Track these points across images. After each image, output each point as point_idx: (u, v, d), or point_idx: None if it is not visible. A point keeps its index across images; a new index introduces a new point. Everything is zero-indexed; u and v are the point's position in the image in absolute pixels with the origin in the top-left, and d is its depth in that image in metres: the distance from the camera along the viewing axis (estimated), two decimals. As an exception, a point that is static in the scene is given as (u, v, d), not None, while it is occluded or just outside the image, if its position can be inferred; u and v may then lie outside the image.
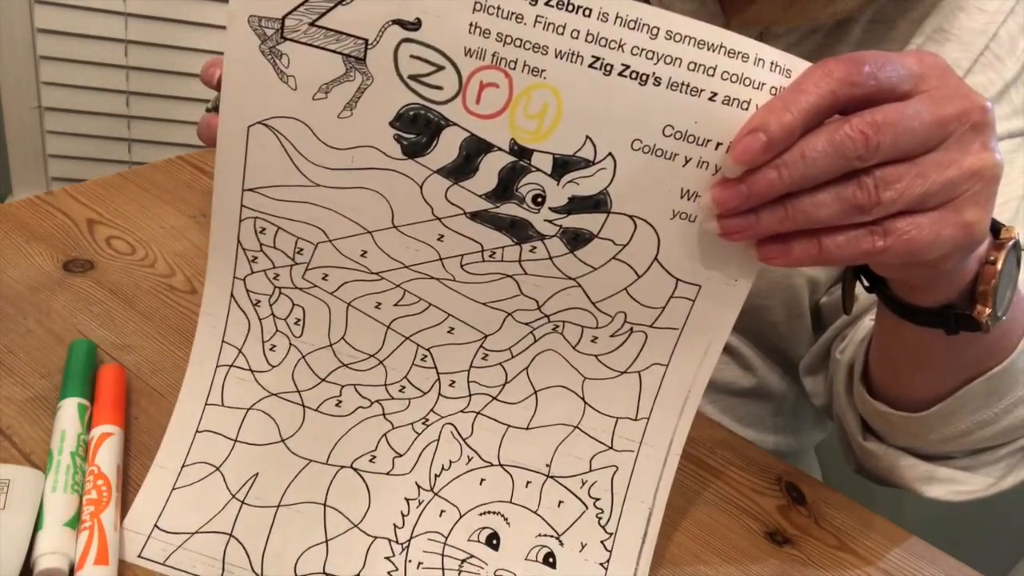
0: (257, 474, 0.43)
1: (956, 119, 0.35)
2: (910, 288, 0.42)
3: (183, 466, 0.44)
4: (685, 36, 0.35)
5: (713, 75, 0.35)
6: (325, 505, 0.43)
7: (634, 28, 0.34)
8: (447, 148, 0.38)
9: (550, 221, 0.38)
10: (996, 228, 0.41)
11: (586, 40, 0.35)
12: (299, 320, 0.43)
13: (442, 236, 0.39)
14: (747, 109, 0.35)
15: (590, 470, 0.42)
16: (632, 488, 0.43)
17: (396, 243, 0.40)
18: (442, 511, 0.42)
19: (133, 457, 0.47)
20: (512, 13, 0.35)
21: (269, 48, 0.37)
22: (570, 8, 0.34)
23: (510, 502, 0.43)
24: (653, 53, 0.35)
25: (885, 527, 0.55)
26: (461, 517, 0.42)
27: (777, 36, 0.58)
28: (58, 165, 1.79)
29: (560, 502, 0.43)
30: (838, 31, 0.59)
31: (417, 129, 0.37)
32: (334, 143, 0.38)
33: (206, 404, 0.44)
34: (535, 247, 0.39)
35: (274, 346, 0.43)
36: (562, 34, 0.35)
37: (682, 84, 0.35)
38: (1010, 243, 0.40)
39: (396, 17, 0.36)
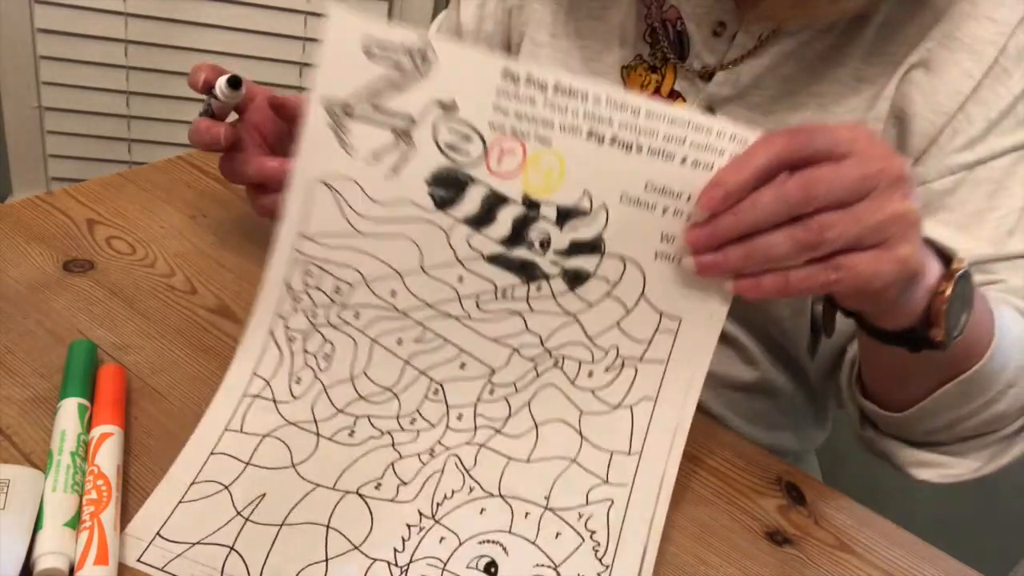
0: (264, 494, 0.44)
1: (879, 175, 0.42)
2: (875, 315, 0.48)
3: (192, 483, 0.45)
4: (661, 115, 0.44)
5: (684, 144, 0.44)
6: (328, 527, 0.43)
7: (621, 109, 0.44)
8: (471, 201, 0.46)
9: (554, 262, 0.46)
10: (949, 260, 0.47)
11: (583, 118, 0.44)
12: (328, 355, 0.48)
13: (462, 277, 0.46)
14: (711, 169, 0.44)
15: (586, 503, 0.44)
16: (627, 522, 0.44)
17: (422, 284, 0.47)
18: (442, 538, 0.43)
19: (133, 457, 0.47)
20: (527, 98, 0.45)
21: (336, 124, 0.47)
22: (571, 94, 0.44)
23: (509, 532, 0.44)
24: (636, 127, 0.44)
25: (885, 527, 0.55)
26: (461, 544, 0.43)
27: (790, 34, 0.60)
28: (58, 165, 1.79)
29: (558, 534, 0.44)
30: (850, 32, 0.60)
31: (448, 186, 0.46)
32: (379, 199, 0.47)
33: (225, 430, 0.47)
34: (541, 286, 0.46)
35: (300, 379, 0.47)
36: (565, 113, 0.44)
37: (660, 151, 0.44)
38: (959, 274, 0.47)
39: (438, 100, 0.46)
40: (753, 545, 0.51)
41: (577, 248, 0.45)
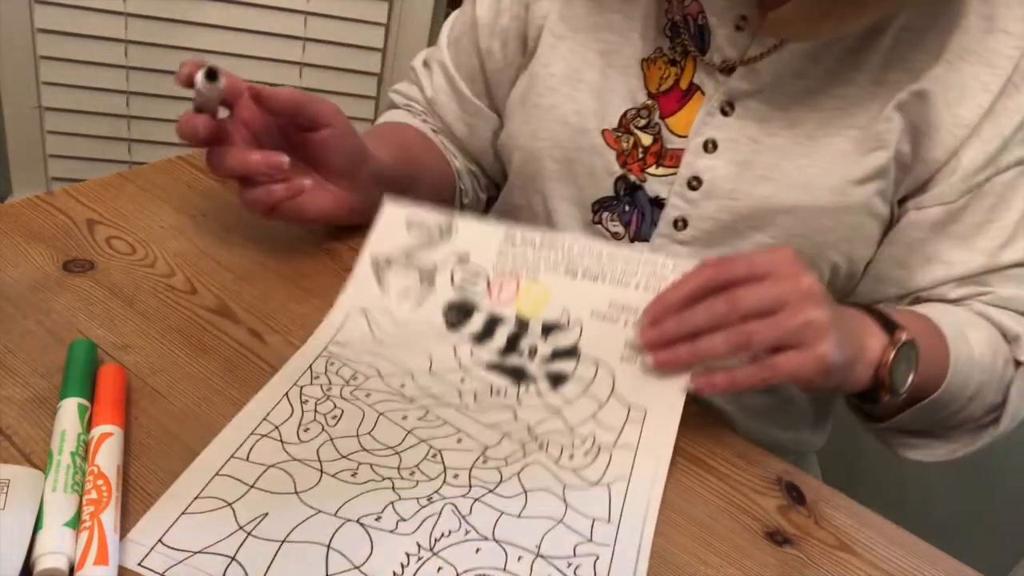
0: (267, 514, 0.45)
1: (792, 291, 0.53)
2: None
3: (196, 498, 0.45)
4: (619, 255, 0.59)
5: (637, 273, 0.58)
6: (329, 547, 0.44)
7: (588, 254, 0.60)
8: (476, 322, 0.59)
9: (540, 367, 0.57)
10: (893, 329, 0.58)
11: (562, 260, 0.60)
12: (336, 417, 0.52)
13: (463, 379, 0.56)
14: (659, 291, 0.57)
15: (574, 555, 0.47)
16: (613, 572, 0.47)
17: (429, 382, 0.56)
18: (440, 567, 0.45)
19: (133, 457, 0.47)
20: (521, 249, 0.61)
21: (378, 270, 0.61)
22: (553, 245, 0.61)
23: (504, 570, 0.45)
24: (600, 265, 0.59)
25: (885, 527, 0.55)
26: (458, 575, 0.44)
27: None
28: (58, 165, 1.79)
29: None
30: (867, 40, 0.62)
31: (458, 313, 0.60)
32: (402, 321, 0.59)
33: (232, 457, 0.48)
34: (528, 387, 0.56)
35: (308, 429, 0.51)
36: (549, 259, 0.60)
37: (619, 279, 0.59)
38: (899, 344, 0.57)
39: (456, 253, 0.61)
40: (753, 545, 0.51)
41: (558, 354, 0.57)
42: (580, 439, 0.53)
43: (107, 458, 0.45)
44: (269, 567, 0.42)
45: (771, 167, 0.65)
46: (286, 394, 0.53)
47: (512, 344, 0.58)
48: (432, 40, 1.82)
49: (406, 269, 0.61)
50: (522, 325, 0.59)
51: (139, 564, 0.42)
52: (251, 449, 0.49)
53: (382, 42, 1.77)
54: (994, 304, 0.68)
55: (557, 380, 0.56)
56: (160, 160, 0.75)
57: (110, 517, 0.42)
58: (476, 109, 0.79)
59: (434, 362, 0.57)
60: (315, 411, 0.52)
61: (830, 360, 0.52)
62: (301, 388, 0.54)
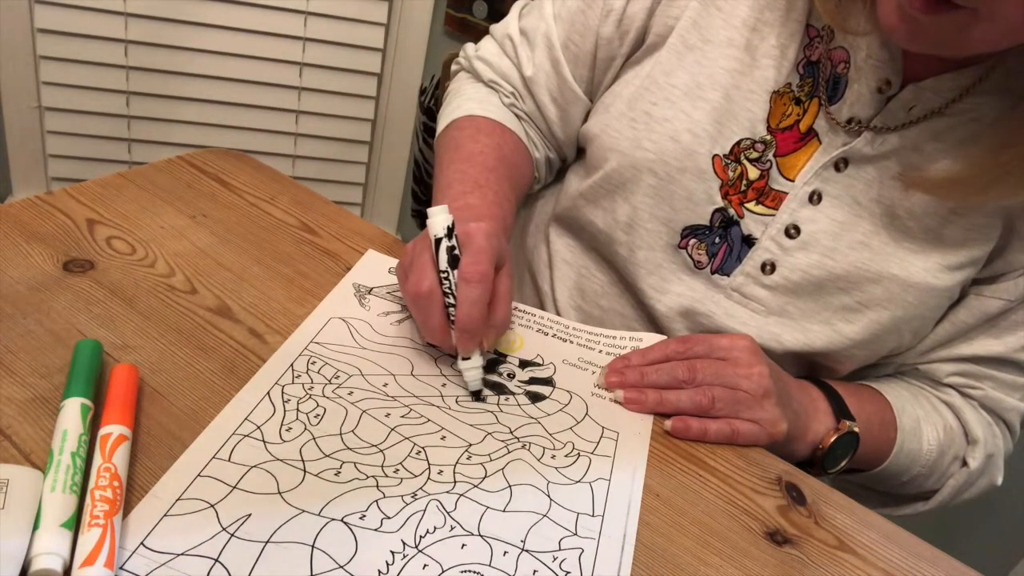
0: (250, 515, 0.45)
1: (748, 376, 0.59)
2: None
3: (178, 499, 0.45)
4: (583, 328, 0.68)
5: (599, 343, 0.66)
6: (313, 547, 0.44)
7: (556, 323, 0.68)
8: None
9: (518, 386, 0.60)
10: (841, 416, 0.64)
11: (534, 323, 0.67)
12: (319, 416, 0.53)
13: (444, 384, 0.58)
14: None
15: (559, 549, 0.47)
16: (598, 566, 0.47)
17: (411, 383, 0.57)
18: (425, 564, 0.45)
19: (132, 457, 0.47)
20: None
21: (359, 294, 0.64)
22: (526, 311, 0.68)
23: (489, 565, 0.46)
24: (568, 333, 0.67)
25: (885, 527, 0.55)
26: (444, 572, 0.45)
27: (947, 114, 0.61)
28: (58, 165, 1.79)
29: (535, 571, 0.46)
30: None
31: None
32: (384, 334, 0.61)
33: (214, 457, 0.48)
34: (508, 399, 0.58)
35: (290, 428, 0.52)
36: (522, 319, 0.67)
37: (584, 343, 0.66)
38: (841, 433, 0.64)
39: None
40: (753, 545, 0.51)
41: (535, 381, 0.60)
42: (560, 444, 0.55)
43: (122, 461, 0.45)
44: (253, 568, 0.42)
45: (871, 234, 0.63)
46: (267, 393, 0.53)
47: (491, 366, 0.60)
48: (432, 40, 1.82)
49: (388, 299, 0.64)
50: (500, 355, 0.62)
51: (121, 568, 0.41)
52: (233, 449, 0.49)
53: (382, 42, 1.77)
54: (979, 400, 0.70)
55: (535, 398, 0.59)
56: (160, 160, 0.75)
57: (119, 521, 0.42)
58: (574, 96, 0.73)
59: (415, 367, 0.59)
60: (297, 410, 0.52)
61: (778, 437, 0.60)
62: (283, 387, 0.54)
